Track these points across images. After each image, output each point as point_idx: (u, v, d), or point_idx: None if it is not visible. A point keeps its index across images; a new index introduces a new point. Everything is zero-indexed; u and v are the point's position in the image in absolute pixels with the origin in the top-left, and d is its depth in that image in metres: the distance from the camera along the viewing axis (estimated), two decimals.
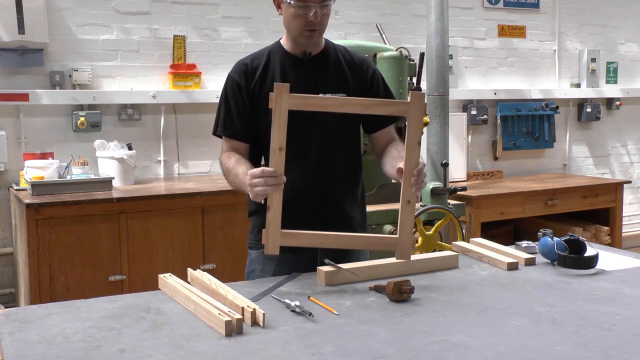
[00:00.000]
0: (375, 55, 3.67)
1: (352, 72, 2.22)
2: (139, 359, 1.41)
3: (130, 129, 4.54)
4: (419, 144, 1.90)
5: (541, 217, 5.21)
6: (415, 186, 1.93)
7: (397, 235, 1.96)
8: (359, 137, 2.30)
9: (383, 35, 4.22)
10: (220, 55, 4.78)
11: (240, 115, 2.17)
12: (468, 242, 2.36)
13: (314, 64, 2.19)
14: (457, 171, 5.39)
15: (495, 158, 5.80)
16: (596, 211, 5.46)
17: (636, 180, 6.58)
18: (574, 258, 2.05)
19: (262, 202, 1.94)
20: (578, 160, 6.31)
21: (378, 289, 1.84)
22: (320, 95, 2.10)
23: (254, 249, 2.26)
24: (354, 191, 2.27)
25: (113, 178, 4.06)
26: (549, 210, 5.12)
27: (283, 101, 1.86)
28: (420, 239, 3.45)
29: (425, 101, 2.01)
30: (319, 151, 2.17)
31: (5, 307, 3.63)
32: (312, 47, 2.19)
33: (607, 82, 6.35)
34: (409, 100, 1.94)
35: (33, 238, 3.55)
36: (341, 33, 5.05)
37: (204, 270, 1.93)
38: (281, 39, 2.24)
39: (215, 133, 2.25)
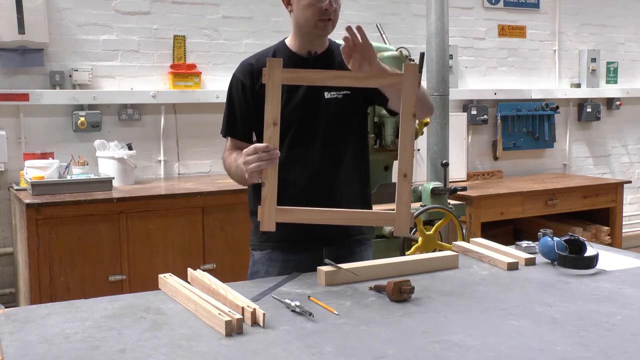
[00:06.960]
0: None
1: None
2: (139, 359, 1.41)
3: (130, 129, 4.54)
4: (414, 115, 1.86)
5: (541, 217, 5.21)
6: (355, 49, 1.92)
7: (394, 211, 1.90)
8: (366, 136, 2.30)
9: (383, 35, 4.21)
10: (220, 55, 4.78)
11: (244, 115, 2.18)
12: (468, 242, 2.36)
13: (319, 63, 2.19)
14: (457, 171, 5.39)
15: (495, 158, 5.80)
16: (596, 211, 5.46)
17: (636, 180, 6.58)
18: (574, 258, 2.05)
19: (260, 181, 1.88)
20: (578, 160, 6.31)
21: (378, 289, 1.84)
22: (313, 70, 2.06)
23: (257, 250, 2.26)
24: (360, 192, 2.26)
25: (113, 178, 4.06)
26: (549, 210, 5.12)
27: (276, 75, 1.84)
28: (420, 239, 3.45)
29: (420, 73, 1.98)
30: (325, 152, 2.17)
31: (5, 307, 3.62)
32: (320, 45, 2.19)
33: (607, 82, 6.35)
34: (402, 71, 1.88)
35: (33, 238, 3.55)
36: (341, 33, 5.03)
37: (204, 270, 1.92)
38: (286, 38, 2.24)
39: (221, 133, 2.25)
